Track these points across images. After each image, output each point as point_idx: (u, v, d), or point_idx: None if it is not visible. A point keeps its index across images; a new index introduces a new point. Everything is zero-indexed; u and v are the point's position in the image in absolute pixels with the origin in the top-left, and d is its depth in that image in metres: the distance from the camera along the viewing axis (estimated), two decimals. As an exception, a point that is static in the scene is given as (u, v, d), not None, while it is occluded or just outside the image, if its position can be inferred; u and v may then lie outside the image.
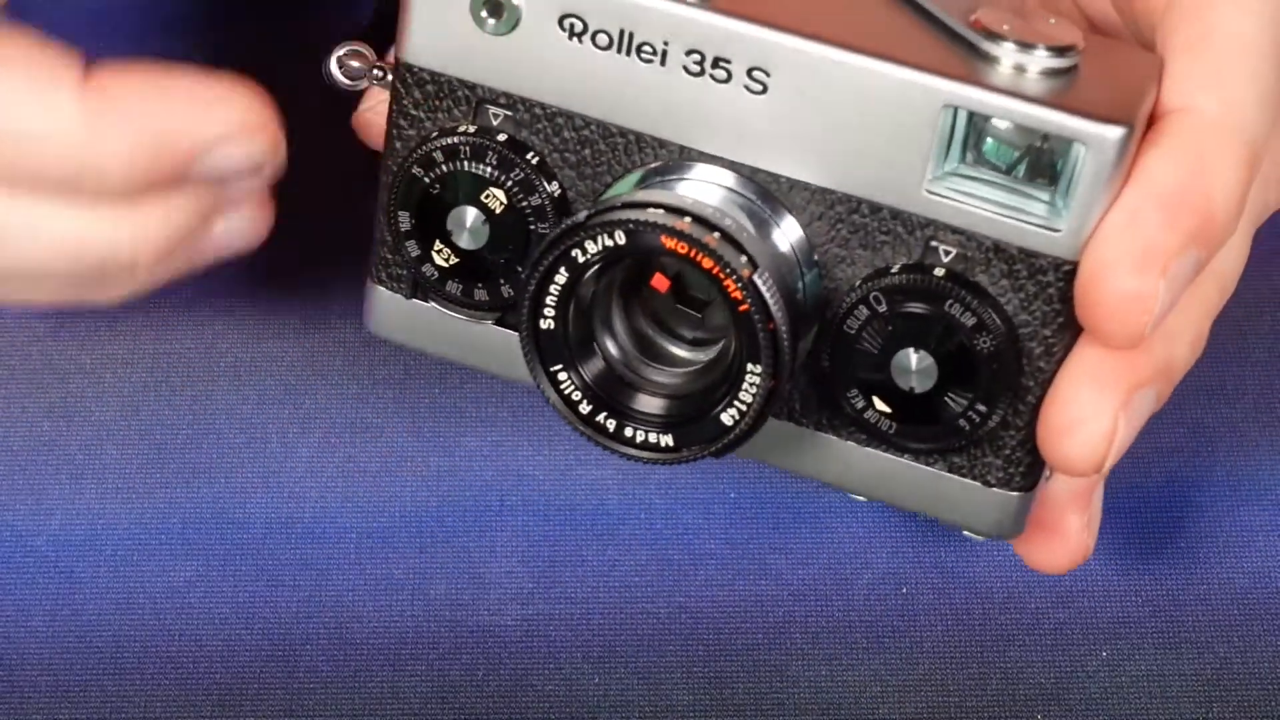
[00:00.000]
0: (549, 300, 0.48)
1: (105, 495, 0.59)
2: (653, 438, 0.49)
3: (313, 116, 0.60)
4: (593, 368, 0.49)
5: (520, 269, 0.50)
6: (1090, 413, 0.46)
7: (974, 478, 0.50)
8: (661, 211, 0.47)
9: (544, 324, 0.48)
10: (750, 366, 0.47)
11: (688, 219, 0.46)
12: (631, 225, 0.46)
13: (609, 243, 0.47)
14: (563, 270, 0.47)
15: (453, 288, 0.51)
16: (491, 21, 0.48)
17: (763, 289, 0.46)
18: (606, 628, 0.58)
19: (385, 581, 0.58)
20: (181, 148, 0.49)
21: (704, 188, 0.48)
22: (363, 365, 0.61)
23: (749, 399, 0.47)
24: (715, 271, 0.46)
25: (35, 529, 0.59)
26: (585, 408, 0.49)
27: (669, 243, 0.46)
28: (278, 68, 0.64)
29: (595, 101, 0.49)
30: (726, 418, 0.48)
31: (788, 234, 0.48)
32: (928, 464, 0.50)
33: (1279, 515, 0.60)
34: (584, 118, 0.49)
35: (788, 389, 0.50)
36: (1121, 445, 0.47)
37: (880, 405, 0.49)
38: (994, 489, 0.50)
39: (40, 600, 0.58)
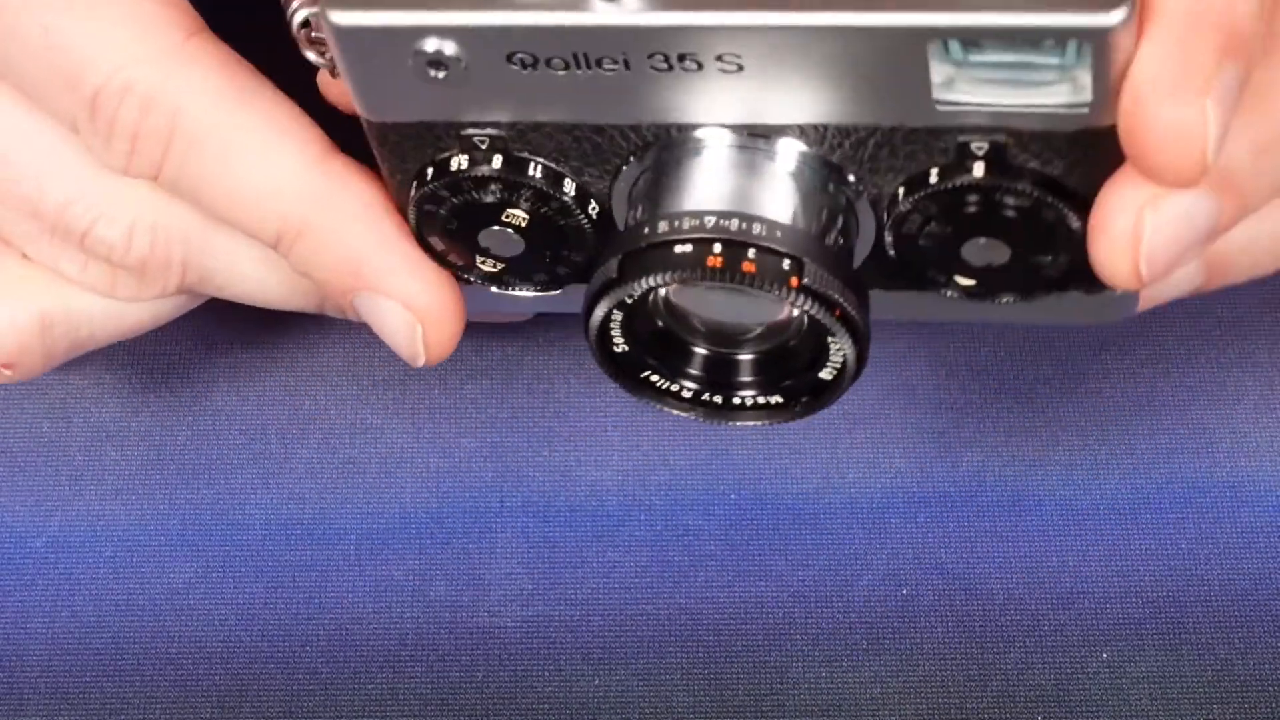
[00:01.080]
0: (614, 333, 0.48)
1: (105, 496, 0.59)
2: (761, 399, 0.49)
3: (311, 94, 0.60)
4: (681, 357, 0.49)
5: (567, 252, 0.50)
6: (1117, 212, 0.45)
7: (1075, 288, 0.49)
8: (690, 248, 0.46)
9: (617, 349, 0.49)
10: (830, 340, 0.47)
11: (718, 248, 0.46)
12: (669, 273, 0.46)
13: (652, 282, 0.46)
14: (615, 311, 0.47)
15: (508, 279, 0.51)
16: (439, 75, 0.46)
17: (815, 287, 0.46)
18: (606, 629, 0.58)
19: (385, 583, 0.58)
20: (359, 280, 0.50)
21: (717, 156, 0.47)
22: (363, 365, 0.61)
23: (840, 360, 0.47)
24: (763, 292, 0.46)
25: (35, 530, 0.59)
26: (688, 393, 0.50)
27: (710, 281, 0.46)
28: (276, 32, 0.64)
29: (575, 110, 0.47)
30: (825, 374, 0.48)
31: (816, 169, 0.47)
32: None
33: (1279, 516, 0.60)
34: (570, 124, 0.47)
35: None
36: (1154, 247, 0.45)
37: (961, 280, 0.48)
38: (1096, 293, 0.49)
39: (40, 601, 0.58)
